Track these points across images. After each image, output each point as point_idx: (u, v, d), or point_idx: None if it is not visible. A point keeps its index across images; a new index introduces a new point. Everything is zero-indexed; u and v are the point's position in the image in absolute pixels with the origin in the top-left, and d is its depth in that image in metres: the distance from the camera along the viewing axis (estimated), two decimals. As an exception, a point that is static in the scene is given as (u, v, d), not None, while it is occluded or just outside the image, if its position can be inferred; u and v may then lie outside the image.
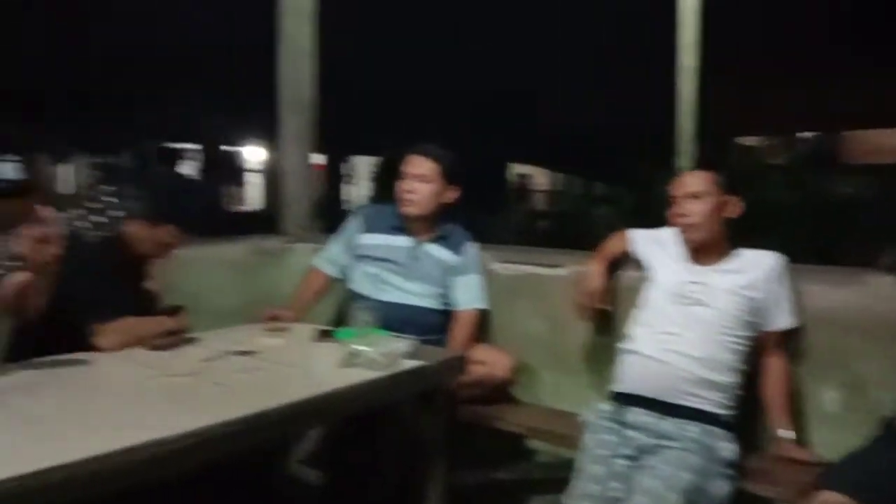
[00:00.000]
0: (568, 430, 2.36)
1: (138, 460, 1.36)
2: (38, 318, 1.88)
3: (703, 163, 2.84)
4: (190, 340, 2.25)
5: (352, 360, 2.01)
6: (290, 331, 2.48)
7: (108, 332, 2.09)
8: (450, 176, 2.75)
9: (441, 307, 2.78)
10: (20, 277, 1.84)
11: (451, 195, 2.78)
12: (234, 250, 3.29)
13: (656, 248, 2.47)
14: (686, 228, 2.30)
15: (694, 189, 2.28)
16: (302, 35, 3.47)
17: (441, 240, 2.80)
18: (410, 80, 12.26)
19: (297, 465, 2.86)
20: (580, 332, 2.70)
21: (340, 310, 3.04)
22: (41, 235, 1.67)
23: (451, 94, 12.53)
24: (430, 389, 2.21)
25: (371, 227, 2.84)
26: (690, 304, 2.25)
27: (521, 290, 2.87)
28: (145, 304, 2.34)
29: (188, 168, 18.51)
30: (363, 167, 18.99)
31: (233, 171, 18.41)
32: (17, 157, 6.75)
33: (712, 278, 2.26)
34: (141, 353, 2.10)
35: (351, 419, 2.41)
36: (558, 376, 2.80)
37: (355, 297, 2.76)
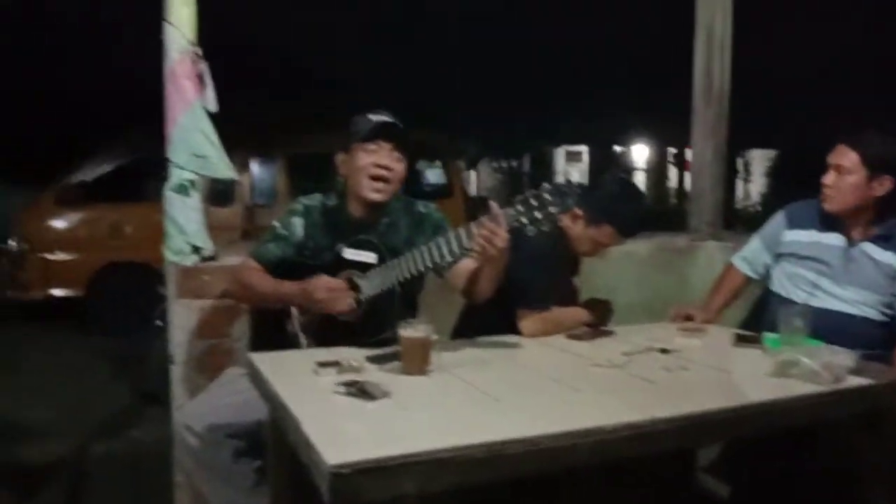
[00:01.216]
0: None
1: (580, 444, 1.41)
2: (484, 302, 2.09)
3: None
4: (607, 333, 2.31)
5: (786, 369, 1.84)
6: (706, 332, 2.39)
7: (534, 319, 2.26)
8: (876, 166, 2.37)
9: (883, 318, 2.41)
10: (469, 265, 2.08)
11: (881, 188, 2.39)
12: (641, 247, 3.29)
13: None
14: None
15: None
16: (718, 25, 3.31)
17: (881, 240, 2.43)
18: (814, 67, 10.99)
19: (701, 474, 2.75)
20: None
21: (754, 313, 2.84)
22: (490, 229, 1.85)
23: (860, 81, 10.90)
24: (876, 412, 1.92)
25: (797, 223, 2.59)
26: None
27: None
28: (569, 296, 2.47)
29: (579, 169, 19.35)
30: (758, 161, 17.66)
31: (621, 171, 18.66)
32: (439, 164, 7.79)
33: None
34: (561, 341, 2.22)
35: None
36: None
37: (777, 300, 2.55)
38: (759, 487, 2.56)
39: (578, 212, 2.35)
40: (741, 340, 2.25)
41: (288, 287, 2.10)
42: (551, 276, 2.32)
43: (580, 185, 1.87)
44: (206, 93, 2.47)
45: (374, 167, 2.12)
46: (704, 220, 3.44)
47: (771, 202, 14.06)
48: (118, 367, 5.13)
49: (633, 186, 2.59)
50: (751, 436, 2.35)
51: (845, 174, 2.40)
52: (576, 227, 2.39)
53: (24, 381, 4.93)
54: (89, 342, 5.93)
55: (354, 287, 2.09)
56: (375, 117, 2.15)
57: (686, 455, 2.49)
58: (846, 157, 2.41)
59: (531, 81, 12.19)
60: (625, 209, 2.39)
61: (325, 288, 2.02)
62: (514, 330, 2.26)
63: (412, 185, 2.18)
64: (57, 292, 6.47)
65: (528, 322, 2.26)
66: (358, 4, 10.50)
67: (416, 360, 1.78)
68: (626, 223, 2.39)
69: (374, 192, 2.13)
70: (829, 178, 2.44)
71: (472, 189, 17.29)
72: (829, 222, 2.50)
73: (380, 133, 2.12)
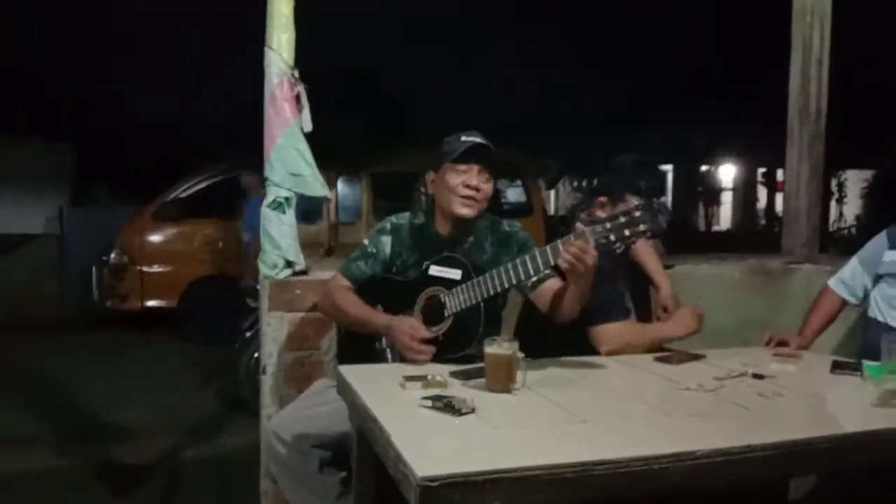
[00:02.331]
0: None
1: (672, 468, 1.38)
2: (567, 321, 2.08)
3: None
4: (697, 357, 2.25)
5: (890, 399, 1.75)
6: (801, 358, 2.30)
7: (611, 336, 2.23)
8: None
9: None
10: (555, 284, 2.07)
11: None
12: (731, 269, 3.20)
13: None
14: None
15: None
16: (816, 40, 3.21)
17: None
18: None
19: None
20: None
21: (848, 339, 2.72)
22: (580, 247, 1.84)
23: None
24: None
25: None
26: None
27: None
28: (646, 305, 2.43)
29: (663, 188, 18.91)
30: (854, 182, 16.85)
31: (708, 191, 18.14)
32: (519, 182, 7.76)
33: None
34: (649, 364, 2.18)
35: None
36: None
37: (874, 325, 2.45)
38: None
39: (602, 199, 2.37)
40: (839, 367, 2.16)
41: (375, 318, 2.16)
42: (611, 285, 2.29)
43: (667, 205, 1.85)
44: (303, 114, 2.56)
45: (464, 187, 2.15)
46: (799, 242, 3.32)
47: (867, 225, 13.39)
48: (209, 375, 5.34)
49: (643, 157, 2.56)
50: (849, 468, 2.25)
51: None
52: (606, 214, 2.34)
53: (119, 386, 5.20)
54: (182, 350, 6.19)
55: (440, 307, 2.12)
56: (467, 137, 2.18)
57: (777, 486, 2.39)
58: None
59: (614, 99, 12.05)
60: (642, 174, 2.38)
61: (409, 335, 2.06)
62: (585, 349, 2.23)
63: (492, 203, 2.22)
64: (152, 303, 6.81)
65: (605, 340, 2.23)
66: (438, 28, 10.69)
67: (500, 378, 1.79)
68: (648, 187, 2.36)
69: (464, 208, 2.17)
70: None
71: (552, 208, 17.18)
72: None
73: (471, 155, 2.16)
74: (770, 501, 2.38)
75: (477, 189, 2.16)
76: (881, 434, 1.62)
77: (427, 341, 2.08)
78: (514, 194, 8.03)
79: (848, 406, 1.83)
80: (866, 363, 2.09)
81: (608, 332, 2.24)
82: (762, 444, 1.45)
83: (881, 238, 2.56)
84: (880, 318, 2.47)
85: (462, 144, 2.16)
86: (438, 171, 2.21)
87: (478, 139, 2.18)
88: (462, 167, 2.16)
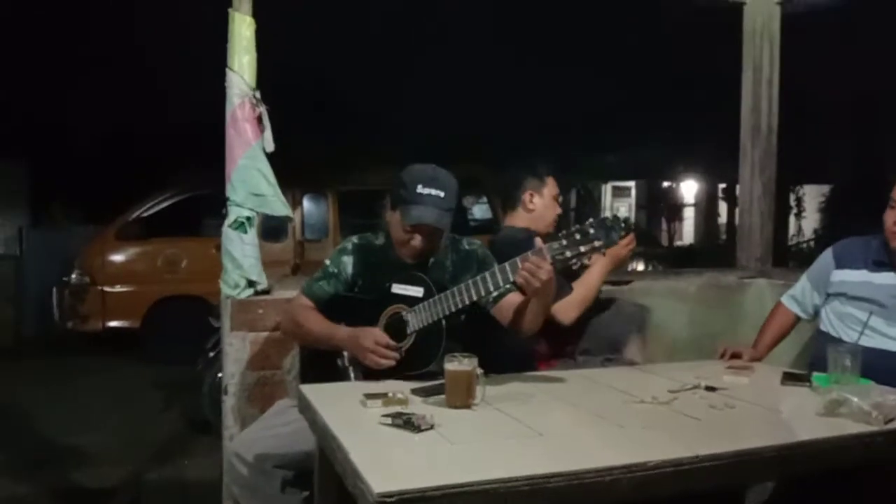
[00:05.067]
0: None
1: (623, 480, 1.42)
2: (530, 335, 2.13)
3: None
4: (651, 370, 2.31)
5: (835, 408, 1.81)
6: (754, 370, 2.37)
7: (568, 307, 2.42)
8: None
9: (939, 359, 2.35)
10: (516, 299, 2.11)
11: None
12: (688, 283, 3.27)
13: None
14: None
15: None
16: (766, 62, 3.32)
17: None
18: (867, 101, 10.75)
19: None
20: None
21: (804, 352, 2.79)
22: (535, 262, 1.88)
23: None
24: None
25: (846, 263, 2.56)
26: None
27: None
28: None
29: (627, 204, 19.16)
30: (811, 197, 17.28)
31: (670, 207, 18.44)
32: (485, 199, 7.82)
33: None
34: (604, 376, 2.23)
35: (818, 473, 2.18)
36: None
37: (826, 339, 2.51)
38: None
39: (533, 192, 2.71)
40: (789, 379, 2.23)
41: (337, 332, 2.17)
42: None
43: (626, 220, 1.91)
44: (265, 134, 2.58)
45: (411, 244, 2.19)
46: (753, 257, 3.41)
47: (825, 238, 13.74)
48: (172, 397, 5.26)
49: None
50: (799, 476, 2.31)
51: None
52: (537, 203, 2.71)
53: (81, 409, 5.10)
54: (144, 372, 6.10)
55: (402, 324, 2.14)
56: (423, 190, 2.12)
57: (733, 497, 2.44)
58: None
59: (579, 116, 12.24)
60: (533, 162, 2.79)
61: (373, 341, 2.07)
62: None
63: (458, 220, 2.25)
64: (114, 324, 6.70)
65: (565, 309, 2.44)
66: (407, 45, 10.77)
67: (460, 394, 1.81)
68: (545, 169, 2.77)
69: (408, 258, 2.23)
70: None
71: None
72: (881, 261, 2.46)
73: (422, 222, 2.13)
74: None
75: (423, 248, 2.20)
76: (826, 442, 1.68)
77: (391, 350, 2.09)
78: (479, 211, 8.08)
79: (796, 416, 1.89)
80: (815, 374, 2.17)
81: (564, 306, 2.44)
82: (710, 455, 1.50)
83: (827, 257, 2.62)
84: (833, 333, 2.53)
85: (416, 203, 2.11)
86: (395, 209, 2.20)
87: (433, 191, 2.12)
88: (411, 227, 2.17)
